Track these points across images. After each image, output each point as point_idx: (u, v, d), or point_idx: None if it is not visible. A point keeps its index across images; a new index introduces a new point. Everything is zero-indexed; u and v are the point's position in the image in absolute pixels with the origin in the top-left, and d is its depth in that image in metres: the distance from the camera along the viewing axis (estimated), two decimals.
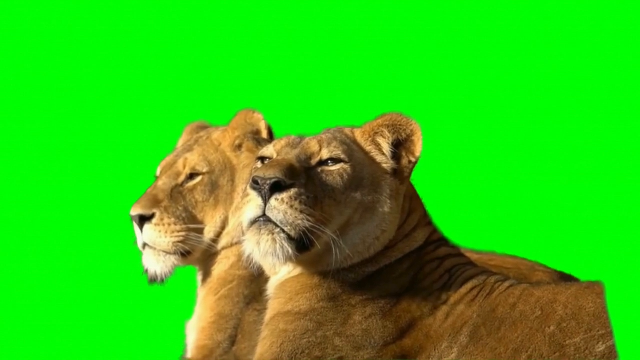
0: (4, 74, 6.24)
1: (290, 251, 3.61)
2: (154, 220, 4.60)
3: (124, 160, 6.05)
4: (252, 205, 3.63)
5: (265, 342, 3.77)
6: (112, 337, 5.63)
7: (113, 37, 6.28)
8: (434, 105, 6.05)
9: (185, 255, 4.61)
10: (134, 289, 5.50)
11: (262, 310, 3.99)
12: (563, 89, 5.95)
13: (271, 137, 4.61)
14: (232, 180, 4.66)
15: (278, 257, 3.62)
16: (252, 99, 5.97)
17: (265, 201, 3.60)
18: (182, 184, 4.67)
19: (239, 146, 4.69)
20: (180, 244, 4.60)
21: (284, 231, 3.60)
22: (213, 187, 4.66)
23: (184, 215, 4.62)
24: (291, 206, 3.58)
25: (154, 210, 4.61)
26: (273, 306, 3.85)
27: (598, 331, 3.56)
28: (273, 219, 3.59)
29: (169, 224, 4.59)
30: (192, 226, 4.61)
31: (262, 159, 3.89)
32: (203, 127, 4.95)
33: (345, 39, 6.20)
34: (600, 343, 3.54)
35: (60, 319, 5.73)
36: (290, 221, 3.59)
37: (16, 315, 5.75)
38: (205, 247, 4.63)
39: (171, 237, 4.60)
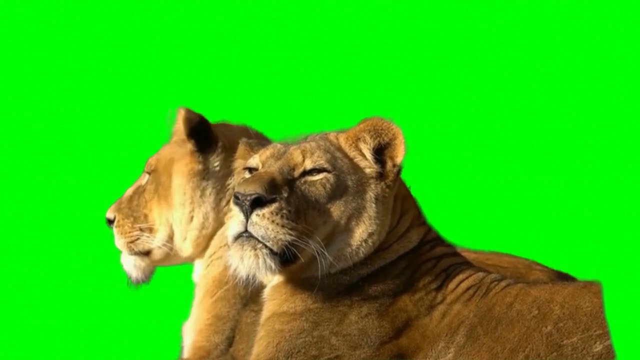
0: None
1: (274, 266, 3.62)
2: (115, 223, 4.70)
3: (122, 160, 6.04)
4: (235, 221, 3.65)
5: (261, 343, 3.77)
6: (109, 339, 5.62)
7: (107, 37, 6.27)
8: (431, 105, 6.05)
9: (145, 255, 4.66)
10: (130, 291, 5.49)
11: (259, 311, 3.99)
12: (559, 87, 5.95)
13: (193, 130, 4.60)
14: (170, 175, 4.67)
15: (262, 272, 3.64)
16: (243, 98, 5.99)
17: (247, 217, 3.61)
18: (144, 185, 4.73)
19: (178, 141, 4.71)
20: (131, 245, 4.64)
21: (266, 246, 3.61)
22: (157, 185, 4.68)
23: (134, 215, 4.66)
24: (272, 221, 3.60)
25: (115, 214, 4.70)
26: (268, 307, 3.86)
27: (595, 331, 3.55)
28: (255, 234, 3.61)
29: (123, 226, 4.65)
30: (142, 226, 4.64)
31: (249, 169, 3.89)
32: None
33: (342, 40, 6.20)
34: (598, 343, 3.54)
35: (57, 320, 5.72)
36: (272, 236, 3.60)
37: (16, 315, 5.74)
38: (159, 246, 4.64)
39: (124, 237, 4.66)
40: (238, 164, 4.21)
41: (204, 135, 4.61)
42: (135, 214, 4.68)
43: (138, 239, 4.65)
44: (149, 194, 4.68)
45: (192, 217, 4.60)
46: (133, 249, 4.66)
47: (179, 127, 4.66)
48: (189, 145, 4.63)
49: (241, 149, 4.19)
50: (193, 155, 4.62)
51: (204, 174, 4.61)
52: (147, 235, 4.65)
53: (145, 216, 4.67)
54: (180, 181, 4.61)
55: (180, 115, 4.63)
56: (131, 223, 4.66)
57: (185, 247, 4.63)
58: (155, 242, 4.65)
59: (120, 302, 5.70)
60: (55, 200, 6.07)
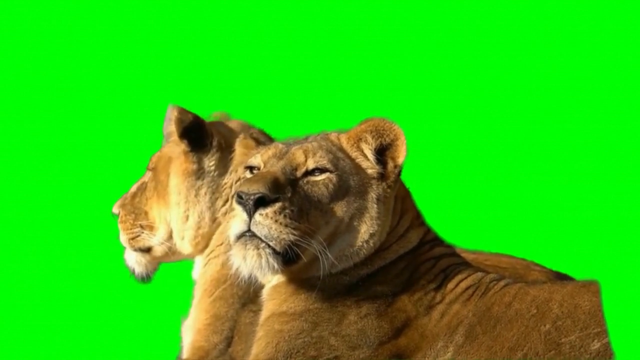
0: None
1: (276, 265, 3.63)
2: (119, 219, 4.72)
3: (126, 159, 6.05)
4: (238, 220, 3.65)
5: (260, 343, 3.77)
6: (108, 338, 5.62)
7: (98, 38, 6.28)
8: (430, 105, 6.06)
9: (146, 251, 4.67)
10: (130, 289, 5.50)
11: (258, 312, 3.99)
12: (559, 88, 5.96)
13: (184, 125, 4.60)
14: (168, 174, 4.68)
15: (264, 272, 3.65)
16: (240, 99, 6.00)
17: (250, 216, 3.61)
18: (147, 182, 4.75)
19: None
20: (132, 241, 4.66)
21: (269, 246, 3.61)
22: (156, 183, 4.70)
23: (136, 212, 4.68)
24: (275, 221, 3.60)
25: (119, 209, 4.71)
26: (268, 307, 3.86)
27: (593, 329, 3.55)
28: (258, 233, 3.61)
29: (125, 222, 4.68)
30: (143, 223, 4.66)
31: (250, 168, 3.90)
32: None
33: (342, 39, 6.21)
34: (596, 341, 3.54)
35: (58, 317, 5.73)
36: (275, 236, 3.60)
37: (17, 312, 5.75)
38: (158, 244, 4.66)
39: (125, 234, 4.69)
40: (239, 151, 4.19)
41: (198, 135, 4.62)
42: (136, 211, 4.69)
43: (138, 235, 4.66)
44: (150, 191, 4.70)
45: (187, 217, 4.61)
46: (134, 245, 4.68)
47: (173, 127, 4.67)
48: (183, 145, 4.64)
49: (244, 142, 4.17)
50: (187, 155, 4.63)
51: (199, 174, 4.62)
52: (147, 232, 4.66)
53: (146, 213, 4.68)
54: (176, 181, 4.62)
55: (173, 116, 4.64)
56: (133, 220, 4.68)
57: (184, 245, 4.64)
58: (155, 240, 4.66)
59: (119, 299, 5.71)
60: (59, 195, 6.09)
